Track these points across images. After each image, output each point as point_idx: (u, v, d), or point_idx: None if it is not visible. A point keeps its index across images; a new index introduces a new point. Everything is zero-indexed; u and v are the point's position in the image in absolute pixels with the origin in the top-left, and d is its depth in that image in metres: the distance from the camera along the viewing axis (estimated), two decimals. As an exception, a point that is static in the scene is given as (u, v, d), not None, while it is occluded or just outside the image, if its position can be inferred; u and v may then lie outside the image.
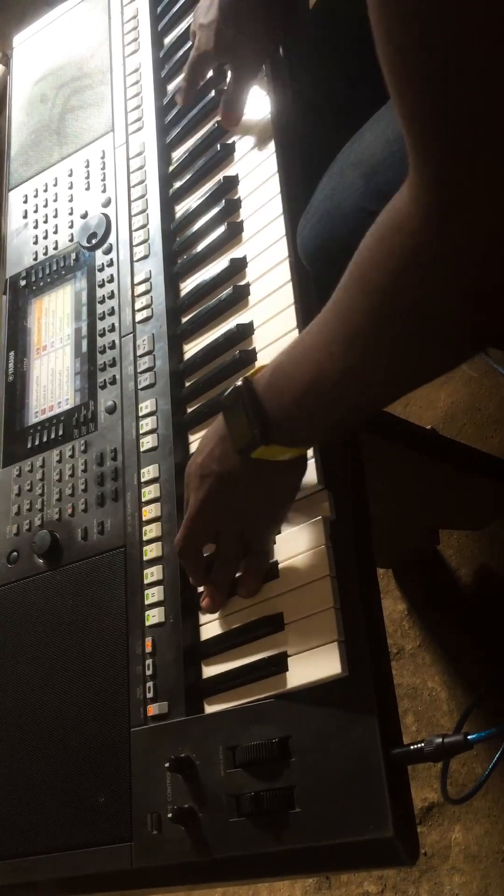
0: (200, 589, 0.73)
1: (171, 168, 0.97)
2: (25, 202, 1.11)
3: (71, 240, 1.02)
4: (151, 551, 0.77)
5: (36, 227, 1.08)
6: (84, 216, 1.02)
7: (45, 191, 1.09)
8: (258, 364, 0.77)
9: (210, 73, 0.94)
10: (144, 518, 0.79)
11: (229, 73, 0.90)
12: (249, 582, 0.69)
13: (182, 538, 0.71)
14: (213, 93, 0.94)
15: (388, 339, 0.55)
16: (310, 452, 0.69)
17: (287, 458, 0.65)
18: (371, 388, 0.59)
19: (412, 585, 1.22)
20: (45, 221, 1.07)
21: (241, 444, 0.64)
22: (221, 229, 0.86)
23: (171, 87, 1.03)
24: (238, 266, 0.83)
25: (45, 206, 1.08)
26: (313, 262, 0.77)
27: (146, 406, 0.84)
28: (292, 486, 0.67)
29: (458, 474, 0.99)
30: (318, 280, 0.78)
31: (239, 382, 0.64)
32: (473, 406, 1.24)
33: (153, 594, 0.76)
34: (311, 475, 0.68)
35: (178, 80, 0.99)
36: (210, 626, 0.73)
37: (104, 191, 1.01)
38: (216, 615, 0.72)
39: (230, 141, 0.90)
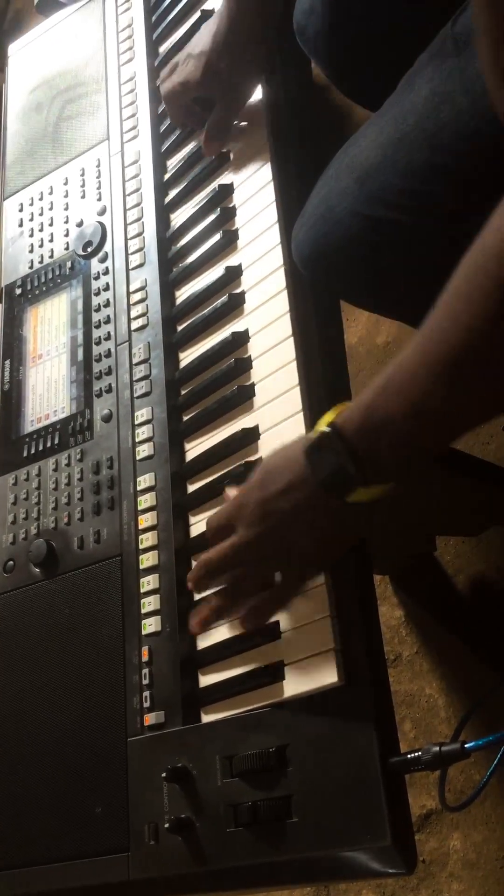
0: (198, 596, 0.73)
1: (166, 176, 0.97)
2: (21, 211, 1.11)
3: (66, 248, 1.02)
4: (148, 560, 0.77)
5: (31, 235, 1.08)
6: (80, 224, 1.02)
7: (41, 199, 1.09)
8: (253, 371, 0.77)
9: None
10: (141, 527, 0.79)
11: (215, 108, 0.89)
12: (258, 619, 0.67)
13: (217, 563, 0.68)
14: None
15: (493, 371, 0.53)
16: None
17: (381, 495, 0.62)
18: (472, 416, 0.58)
19: (409, 592, 1.21)
20: (41, 230, 1.07)
21: (336, 488, 0.61)
22: (217, 237, 0.86)
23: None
24: (233, 274, 0.83)
25: (41, 214, 1.08)
26: (308, 267, 0.77)
27: (142, 414, 0.84)
28: (360, 531, 0.65)
29: (454, 481, 0.98)
30: (313, 284, 0.78)
31: (326, 428, 0.61)
32: (469, 412, 1.24)
33: (149, 603, 0.75)
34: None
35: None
36: (206, 635, 0.73)
37: (100, 199, 1.01)
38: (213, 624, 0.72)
39: (225, 149, 0.90)
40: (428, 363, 0.55)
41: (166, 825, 0.65)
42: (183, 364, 0.86)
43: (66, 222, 1.04)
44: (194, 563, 0.76)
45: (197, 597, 0.75)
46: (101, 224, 0.99)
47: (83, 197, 1.04)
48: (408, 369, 0.57)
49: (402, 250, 0.71)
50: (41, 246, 1.06)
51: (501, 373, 0.54)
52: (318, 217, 0.75)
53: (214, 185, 0.89)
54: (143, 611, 0.75)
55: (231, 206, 0.87)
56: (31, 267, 1.06)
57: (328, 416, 0.62)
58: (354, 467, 0.59)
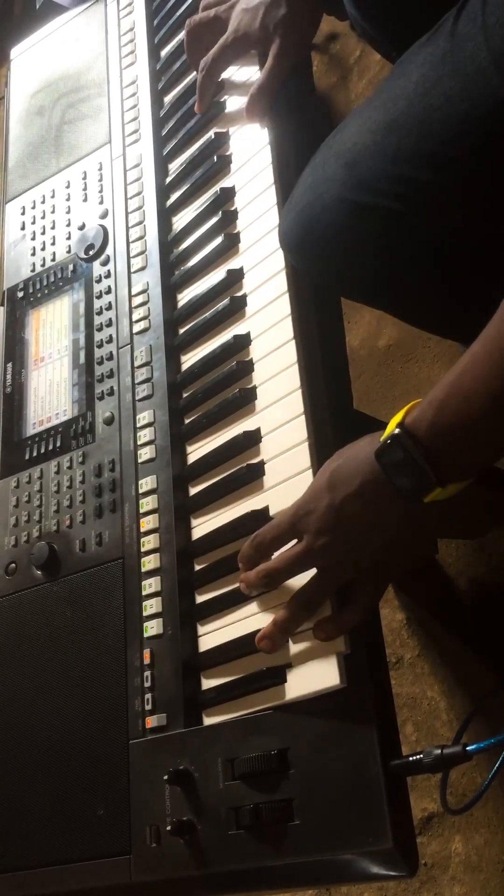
0: (208, 595, 0.73)
1: (168, 179, 0.97)
2: (23, 214, 1.12)
3: (68, 251, 1.02)
4: (149, 563, 0.77)
5: (34, 238, 1.08)
6: (81, 228, 1.02)
7: (43, 202, 1.10)
8: (255, 374, 0.77)
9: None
10: (142, 529, 0.79)
11: (270, 55, 0.87)
12: (335, 632, 0.63)
13: (281, 570, 0.66)
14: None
15: None
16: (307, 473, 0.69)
17: (458, 492, 0.61)
18: None
19: (411, 595, 1.21)
20: (43, 233, 1.07)
21: (413, 492, 0.59)
22: (218, 240, 0.86)
23: (167, 98, 1.03)
24: (235, 277, 0.83)
25: (43, 217, 1.09)
26: (295, 254, 0.77)
27: (144, 417, 0.84)
28: (442, 522, 0.64)
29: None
30: (301, 271, 0.77)
31: (396, 431, 0.58)
32: (471, 415, 1.24)
33: (151, 605, 0.76)
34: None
35: (188, 79, 0.99)
36: (209, 638, 0.73)
37: (101, 202, 1.02)
38: (215, 626, 0.72)
39: (227, 152, 0.91)
40: None
41: (168, 828, 0.65)
42: (185, 367, 0.86)
43: (68, 225, 1.04)
44: (197, 567, 0.77)
45: (199, 600, 0.75)
46: (103, 227, 0.99)
47: (85, 200, 1.04)
48: (484, 362, 0.55)
49: (390, 238, 0.70)
50: (43, 249, 1.06)
51: None
52: (305, 204, 0.74)
53: (216, 188, 0.89)
54: (145, 613, 0.76)
55: (233, 209, 0.87)
56: (33, 270, 1.06)
57: (397, 417, 0.60)
58: (429, 467, 0.57)
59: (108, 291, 0.95)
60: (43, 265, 1.05)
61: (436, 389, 0.58)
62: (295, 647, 0.65)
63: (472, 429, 0.56)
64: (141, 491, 0.81)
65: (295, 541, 0.66)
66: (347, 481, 0.62)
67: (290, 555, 0.65)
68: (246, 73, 0.92)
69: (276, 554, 0.67)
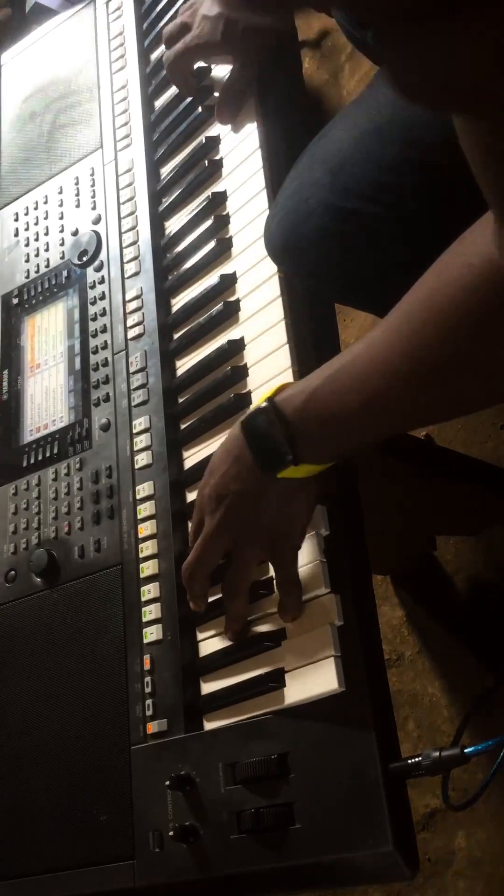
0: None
1: (160, 184, 0.97)
2: (16, 220, 1.12)
3: (62, 257, 1.03)
4: (148, 568, 0.78)
5: (27, 245, 1.08)
6: (75, 233, 1.02)
7: (36, 208, 1.10)
8: (249, 379, 0.78)
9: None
10: (140, 535, 0.79)
11: (231, 67, 0.89)
12: (292, 606, 0.66)
13: (195, 560, 0.69)
14: (199, 109, 0.95)
15: (465, 376, 0.54)
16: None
17: (314, 474, 0.64)
18: (428, 416, 0.61)
19: (410, 592, 1.22)
20: (37, 239, 1.07)
21: (268, 464, 0.63)
22: (211, 245, 0.86)
23: (158, 102, 1.03)
24: (228, 282, 0.83)
25: (36, 223, 1.09)
26: (279, 258, 0.77)
27: (140, 423, 0.85)
28: (311, 500, 0.66)
29: (453, 483, 0.99)
30: (286, 276, 0.78)
31: (264, 404, 0.62)
32: (467, 412, 1.24)
33: (151, 611, 0.76)
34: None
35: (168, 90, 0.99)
36: (208, 643, 0.73)
37: (94, 208, 1.02)
38: (215, 631, 0.73)
39: (218, 157, 0.91)
40: (389, 362, 0.56)
41: (170, 833, 0.66)
42: (180, 372, 0.86)
43: (62, 231, 1.04)
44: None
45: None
46: (97, 233, 0.99)
47: (78, 206, 1.04)
48: (364, 363, 0.58)
49: (375, 243, 0.71)
50: (37, 255, 1.06)
51: (469, 385, 0.55)
52: (289, 209, 0.75)
53: (208, 192, 0.89)
54: (145, 619, 0.76)
55: (225, 213, 0.87)
56: (27, 276, 1.06)
57: (270, 392, 0.63)
58: (288, 445, 0.61)
59: (103, 297, 0.95)
60: (37, 271, 1.05)
61: (313, 376, 0.61)
62: (293, 652, 0.66)
63: (335, 422, 0.60)
64: (138, 497, 0.81)
65: None
66: (223, 459, 0.67)
67: (196, 543, 0.69)
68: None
69: None
